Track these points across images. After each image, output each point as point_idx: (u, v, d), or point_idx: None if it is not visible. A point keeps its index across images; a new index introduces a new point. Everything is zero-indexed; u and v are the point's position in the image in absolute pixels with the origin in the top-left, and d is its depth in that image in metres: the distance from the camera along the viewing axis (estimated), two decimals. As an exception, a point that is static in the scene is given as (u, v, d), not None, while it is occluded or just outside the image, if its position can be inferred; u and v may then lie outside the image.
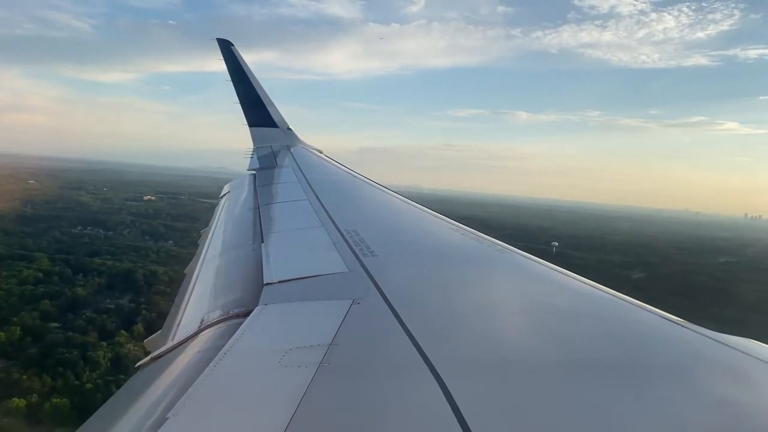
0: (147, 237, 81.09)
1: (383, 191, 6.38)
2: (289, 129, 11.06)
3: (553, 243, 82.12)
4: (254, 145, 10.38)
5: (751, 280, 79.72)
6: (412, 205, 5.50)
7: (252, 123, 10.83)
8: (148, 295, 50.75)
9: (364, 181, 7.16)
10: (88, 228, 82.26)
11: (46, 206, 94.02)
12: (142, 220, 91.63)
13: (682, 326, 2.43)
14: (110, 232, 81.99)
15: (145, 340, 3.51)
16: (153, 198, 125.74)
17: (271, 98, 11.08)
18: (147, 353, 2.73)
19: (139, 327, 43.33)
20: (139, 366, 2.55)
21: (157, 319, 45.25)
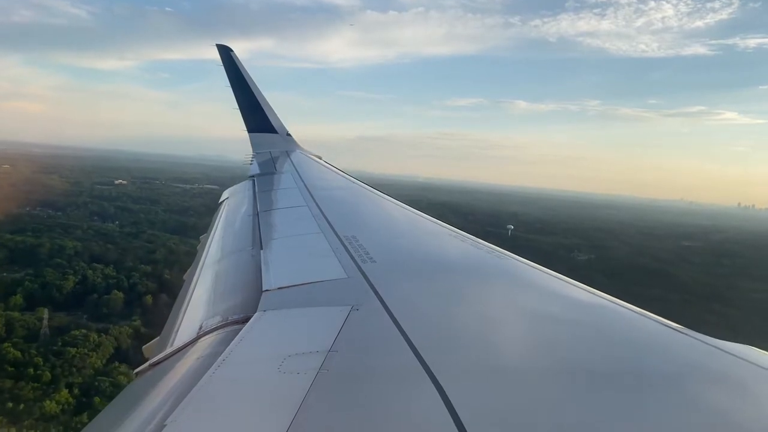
0: (95, 217, 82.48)
1: (382, 197, 6.40)
2: (288, 135, 11.14)
3: (508, 226, 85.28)
4: (253, 150, 10.45)
5: (695, 262, 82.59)
6: (411, 212, 5.51)
7: (251, 129, 10.91)
8: (42, 267, 52.32)
9: (362, 187, 7.18)
10: (38, 209, 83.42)
11: (7, 188, 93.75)
12: (97, 202, 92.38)
13: (682, 333, 2.45)
14: (59, 213, 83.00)
15: (143, 347, 3.50)
16: (125, 182, 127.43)
17: (269, 101, 11.14)
18: (145, 360, 2.73)
19: (17, 298, 45.37)
20: (138, 372, 2.54)
21: (41, 290, 47.42)
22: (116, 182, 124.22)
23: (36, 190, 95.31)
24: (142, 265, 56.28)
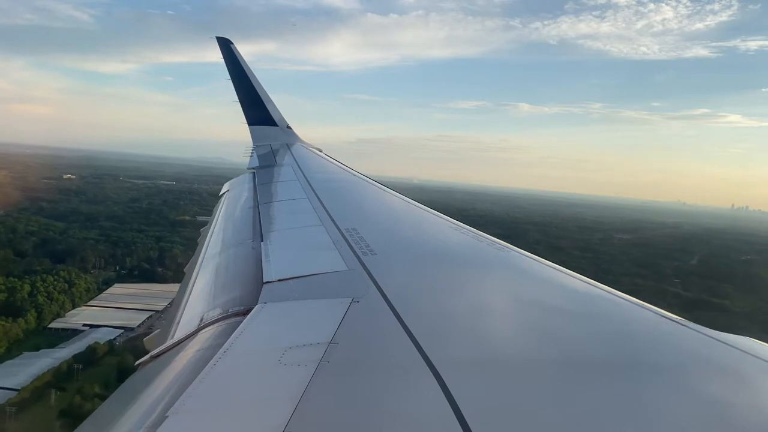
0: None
1: (383, 190, 6.40)
2: (289, 127, 11.13)
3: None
4: (254, 143, 10.40)
5: (599, 250, 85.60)
6: (412, 204, 5.51)
7: (251, 121, 10.91)
8: None
9: (363, 179, 7.17)
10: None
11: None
12: (13, 193, 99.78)
13: (681, 325, 2.46)
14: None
15: (144, 339, 3.49)
16: (73, 177, 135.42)
17: (270, 96, 11.14)
18: (147, 352, 2.72)
19: None
20: (139, 364, 2.55)
21: None
22: (64, 177, 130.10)
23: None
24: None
